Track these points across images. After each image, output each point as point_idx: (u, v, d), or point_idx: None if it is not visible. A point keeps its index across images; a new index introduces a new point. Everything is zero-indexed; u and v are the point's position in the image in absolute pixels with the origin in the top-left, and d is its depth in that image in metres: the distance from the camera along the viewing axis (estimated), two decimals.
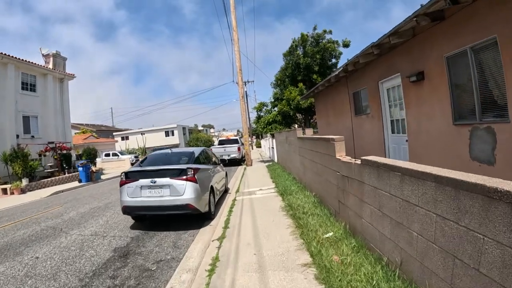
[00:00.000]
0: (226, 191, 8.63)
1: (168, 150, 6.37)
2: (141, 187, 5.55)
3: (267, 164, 15.12)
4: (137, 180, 5.61)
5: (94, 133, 46.18)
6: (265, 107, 16.90)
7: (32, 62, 20.99)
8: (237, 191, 8.15)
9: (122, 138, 50.07)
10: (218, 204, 7.09)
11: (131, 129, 54.02)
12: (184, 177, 5.31)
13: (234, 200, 6.88)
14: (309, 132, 7.39)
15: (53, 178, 17.16)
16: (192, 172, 5.32)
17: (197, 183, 5.32)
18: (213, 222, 5.76)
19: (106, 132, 52.24)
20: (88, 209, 8.27)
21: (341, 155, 4.12)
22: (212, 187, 6.12)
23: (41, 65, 22.52)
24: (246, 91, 43.76)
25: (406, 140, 5.73)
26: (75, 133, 44.01)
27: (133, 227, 6.09)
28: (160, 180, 5.40)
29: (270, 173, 11.02)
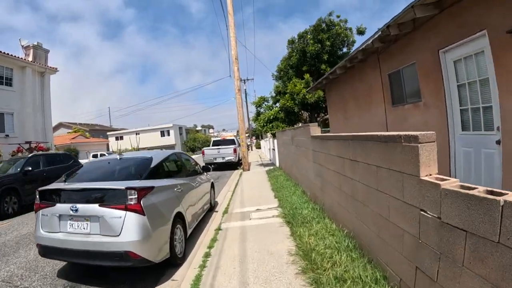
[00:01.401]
0: (212, 208, 6.38)
1: (116, 156, 4.09)
2: (60, 216, 3.34)
3: (267, 169, 12.86)
4: (54, 205, 3.40)
5: (87, 133, 44.13)
6: (265, 103, 14.59)
7: (7, 54, 18.75)
8: (226, 210, 5.87)
9: (116, 138, 47.96)
10: (197, 230, 4.83)
11: (126, 129, 51.83)
12: (122, 204, 3.06)
13: (218, 229, 4.60)
14: (316, 131, 5.17)
15: None
16: (136, 196, 3.06)
17: (144, 214, 3.06)
18: (178, 273, 3.51)
19: (100, 131, 50.10)
20: (31, 231, 6.23)
21: (432, 173, 1.86)
22: (180, 215, 3.85)
23: (19, 57, 20.29)
24: (245, 89, 41.57)
25: (498, 142, 3.46)
26: (67, 133, 41.93)
27: (61, 273, 3.97)
28: (84, 208, 3.17)
29: (270, 182, 8.76)
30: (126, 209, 3.03)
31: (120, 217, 3.03)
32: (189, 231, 4.20)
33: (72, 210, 3.19)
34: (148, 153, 4.22)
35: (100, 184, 3.31)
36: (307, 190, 5.91)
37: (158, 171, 3.80)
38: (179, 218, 3.84)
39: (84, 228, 3.20)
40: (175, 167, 4.60)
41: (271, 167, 12.94)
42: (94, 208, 3.14)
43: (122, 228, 3.02)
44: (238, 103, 13.01)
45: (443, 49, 4.19)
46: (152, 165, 3.74)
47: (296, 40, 13.90)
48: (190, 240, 4.36)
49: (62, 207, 3.31)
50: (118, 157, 4.06)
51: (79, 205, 3.19)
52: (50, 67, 23.26)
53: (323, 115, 15.59)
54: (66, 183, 3.65)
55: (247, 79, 40.57)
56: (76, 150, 20.45)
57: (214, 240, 4.10)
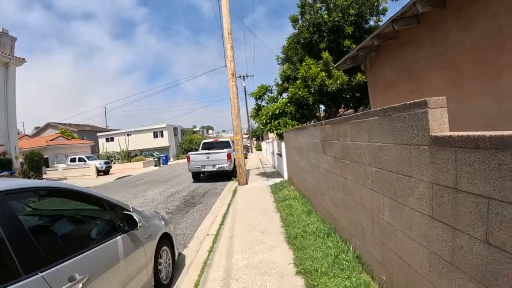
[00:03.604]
0: (160, 285, 2.94)
1: None
2: None
3: (271, 182, 9.41)
4: None
5: (75, 134, 40.84)
6: (268, 93, 11.17)
7: None
8: None
9: (107, 140, 44.57)
10: None
11: (119, 129, 48.30)
12: None
13: None
14: (444, 121, 1.73)
15: None
16: None
17: None
18: None
19: (90, 132, 46.64)
20: None
21: None
22: None
23: None
24: (244, 86, 38.12)
25: None
26: (56, 133, 38.54)
27: None
28: None
29: (281, 215, 5.32)
30: None
31: None
32: None
33: None
34: None
35: None
36: (380, 269, 2.47)
37: None
38: None
39: None
40: None
41: (277, 180, 9.51)
42: None
43: None
44: (232, 92, 9.54)
45: None
46: None
47: (301, 11, 10.49)
48: None
49: None
50: None
51: None
52: (16, 57, 19.83)
53: (343, 110, 12.14)
54: None
55: (247, 76, 37.22)
56: (40, 154, 16.90)
57: None
